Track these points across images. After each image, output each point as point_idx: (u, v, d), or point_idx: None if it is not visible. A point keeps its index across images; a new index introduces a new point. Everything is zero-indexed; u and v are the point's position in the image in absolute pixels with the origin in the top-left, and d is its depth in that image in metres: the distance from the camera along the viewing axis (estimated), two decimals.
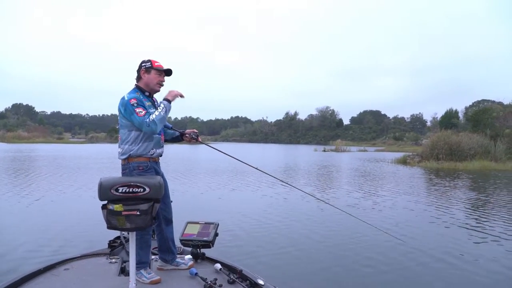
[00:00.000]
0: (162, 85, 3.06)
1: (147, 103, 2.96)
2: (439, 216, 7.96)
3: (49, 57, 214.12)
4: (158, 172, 3.01)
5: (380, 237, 5.95)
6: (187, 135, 3.28)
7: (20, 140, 55.35)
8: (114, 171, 15.85)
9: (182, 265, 3.11)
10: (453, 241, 6.02)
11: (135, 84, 3.03)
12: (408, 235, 6.29)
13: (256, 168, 3.60)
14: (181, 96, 3.06)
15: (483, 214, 8.22)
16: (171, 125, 3.27)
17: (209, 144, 3.35)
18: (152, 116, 2.82)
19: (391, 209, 8.69)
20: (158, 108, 2.90)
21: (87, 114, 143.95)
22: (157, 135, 2.98)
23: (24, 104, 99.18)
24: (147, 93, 3.02)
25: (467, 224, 7.24)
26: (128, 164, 2.91)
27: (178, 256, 3.21)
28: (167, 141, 3.31)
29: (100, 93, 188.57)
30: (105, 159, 23.43)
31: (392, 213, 8.23)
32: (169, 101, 2.97)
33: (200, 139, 3.25)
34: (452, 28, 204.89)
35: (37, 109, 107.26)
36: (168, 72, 3.06)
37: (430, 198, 10.43)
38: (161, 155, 3.09)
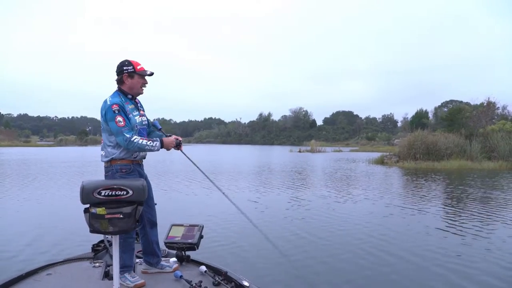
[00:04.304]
0: (145, 87, 3.03)
1: (130, 106, 2.92)
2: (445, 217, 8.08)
3: (15, 58, 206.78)
4: (141, 175, 2.97)
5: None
6: None
7: None
8: (90, 174, 15.48)
9: (167, 268, 3.07)
10: None
11: (118, 87, 2.97)
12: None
13: (224, 194, 3.51)
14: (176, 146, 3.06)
15: None
16: (160, 127, 3.19)
17: (186, 155, 3.22)
18: (138, 139, 2.79)
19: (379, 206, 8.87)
20: (150, 140, 2.87)
21: (55, 117, 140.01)
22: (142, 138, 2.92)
23: None
24: (129, 96, 2.97)
25: None
26: (111, 166, 2.86)
27: (162, 259, 3.17)
28: None
29: (69, 95, 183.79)
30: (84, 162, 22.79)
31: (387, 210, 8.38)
32: (162, 145, 2.95)
33: (181, 148, 3.16)
34: (422, 34, 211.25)
35: (3, 112, 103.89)
36: (150, 74, 3.02)
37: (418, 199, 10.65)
38: (144, 158, 3.06)
